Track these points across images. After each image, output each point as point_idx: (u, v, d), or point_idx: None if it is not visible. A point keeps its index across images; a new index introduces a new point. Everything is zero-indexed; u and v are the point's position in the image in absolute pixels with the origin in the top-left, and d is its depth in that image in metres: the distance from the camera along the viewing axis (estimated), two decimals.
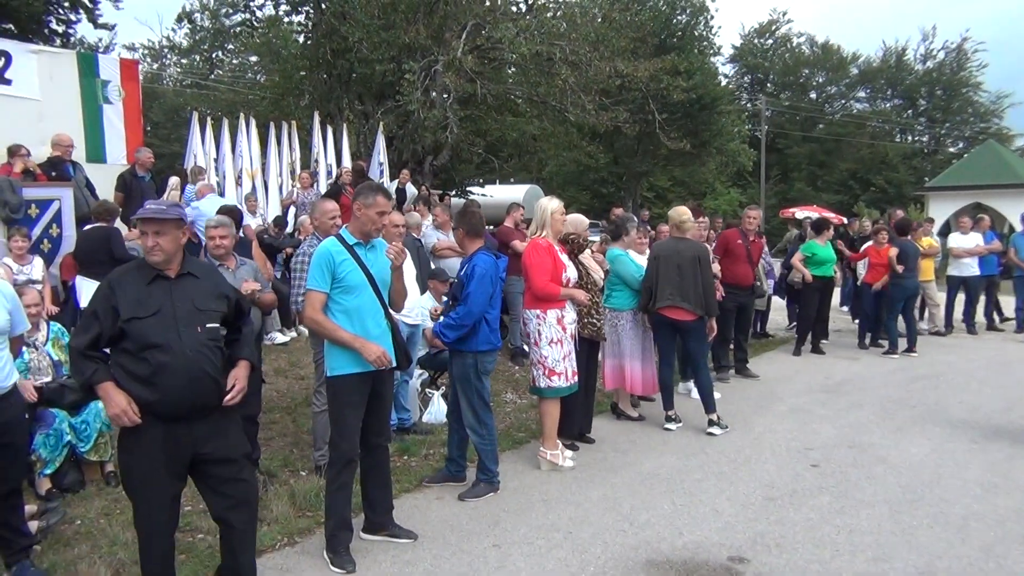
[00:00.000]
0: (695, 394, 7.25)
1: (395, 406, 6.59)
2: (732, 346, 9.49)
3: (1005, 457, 6.15)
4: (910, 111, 50.22)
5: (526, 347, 7.26)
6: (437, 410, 7.12)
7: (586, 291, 6.14)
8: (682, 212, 7.16)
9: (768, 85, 50.87)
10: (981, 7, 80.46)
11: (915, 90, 49.41)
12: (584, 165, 29.89)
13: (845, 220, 17.61)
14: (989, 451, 6.33)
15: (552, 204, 5.89)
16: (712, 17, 31.08)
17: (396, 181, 14.81)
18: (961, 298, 13.02)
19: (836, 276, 11.78)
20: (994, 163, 26.71)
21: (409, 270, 6.56)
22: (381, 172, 15.61)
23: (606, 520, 4.90)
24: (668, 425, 7.02)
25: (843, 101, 51.49)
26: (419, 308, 6.71)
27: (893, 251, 10.85)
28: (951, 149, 48.30)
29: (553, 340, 5.76)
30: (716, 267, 8.43)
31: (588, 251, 6.58)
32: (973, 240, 13.05)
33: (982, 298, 13.34)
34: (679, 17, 30.53)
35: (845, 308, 14.35)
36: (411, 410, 6.93)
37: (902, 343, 10.94)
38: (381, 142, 16.05)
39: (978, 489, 5.41)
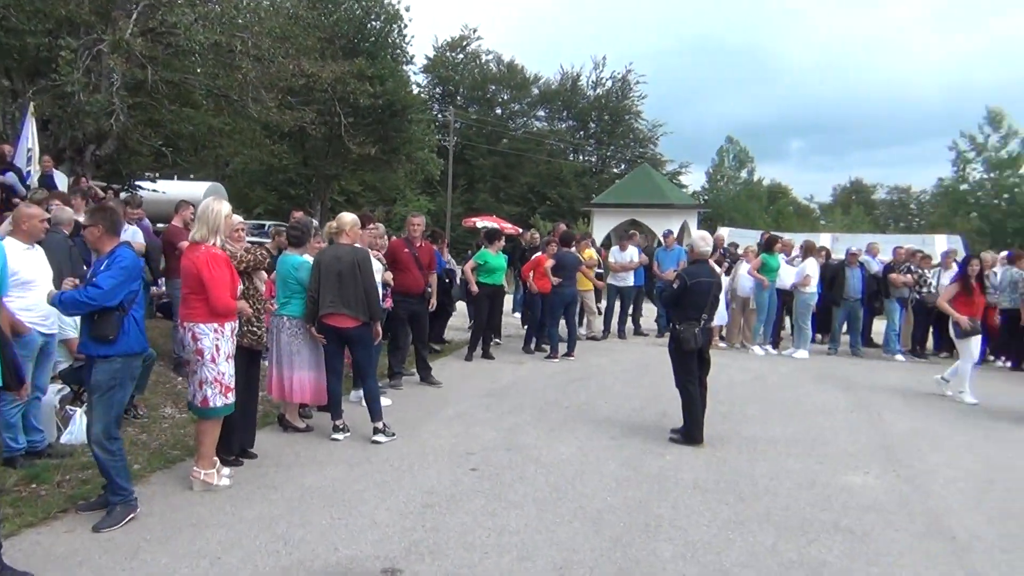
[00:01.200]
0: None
1: (24, 427, 5.84)
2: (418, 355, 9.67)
3: (638, 452, 6.83)
4: (582, 132, 54.85)
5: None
6: (79, 429, 6.39)
7: (249, 300, 5.91)
8: (341, 219, 7.12)
9: (458, 98, 52.84)
10: (644, 44, 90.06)
11: (587, 113, 54.13)
12: (270, 165, 28.95)
13: (520, 230, 18.72)
14: (625, 446, 6.99)
15: (224, 207, 5.50)
16: (406, 26, 31.58)
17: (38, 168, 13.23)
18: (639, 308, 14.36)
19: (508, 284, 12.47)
20: (648, 185, 29.94)
21: (43, 272, 5.86)
22: (29, 159, 13.85)
23: (259, 541, 4.69)
24: (335, 435, 6.93)
25: (525, 119, 55.01)
26: (56, 316, 5.99)
27: (549, 262, 11.72)
28: (615, 170, 53.52)
29: (230, 355, 5.45)
30: (388, 275, 8.52)
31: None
32: (630, 255, 14.48)
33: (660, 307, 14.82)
34: (373, 23, 30.62)
35: (517, 314, 15.22)
36: (45, 431, 6.16)
37: (563, 347, 11.82)
38: (32, 125, 14.23)
39: (613, 483, 5.94)
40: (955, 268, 13.82)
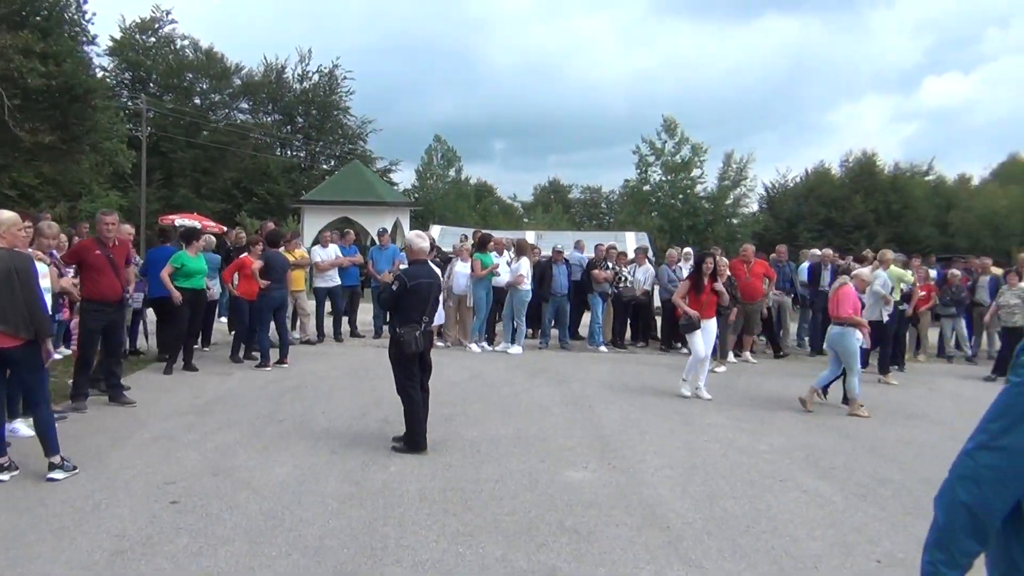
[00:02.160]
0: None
1: None
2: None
3: (360, 465, 6.46)
4: (289, 127, 53.02)
5: None
6: None
7: None
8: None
9: (151, 85, 48.72)
10: (351, 39, 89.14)
11: (294, 107, 52.37)
12: None
13: (224, 229, 17.48)
14: (347, 460, 6.59)
15: None
16: (86, 1, 28.41)
17: None
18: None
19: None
20: (359, 182, 29.51)
21: None
22: None
23: None
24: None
25: (227, 110, 52.01)
26: None
27: (256, 264, 10.98)
28: (324, 166, 52.38)
29: None
30: (67, 282, 7.38)
31: None
32: (333, 252, 14.00)
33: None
34: None
35: (223, 319, 14.15)
36: None
37: (275, 354, 11.11)
38: None
39: (335, 503, 5.52)
40: (647, 265, 14.96)
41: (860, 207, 44.43)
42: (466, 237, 16.16)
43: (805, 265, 15.12)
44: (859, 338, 9.33)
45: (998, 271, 15.87)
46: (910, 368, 13.26)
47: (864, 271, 10.45)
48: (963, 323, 14.92)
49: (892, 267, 12.55)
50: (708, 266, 9.95)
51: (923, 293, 14.00)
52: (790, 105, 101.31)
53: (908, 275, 12.78)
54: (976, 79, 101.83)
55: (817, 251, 15.71)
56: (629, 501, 5.74)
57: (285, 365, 11.04)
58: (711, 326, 10.03)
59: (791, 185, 50.19)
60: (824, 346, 10.44)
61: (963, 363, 14.52)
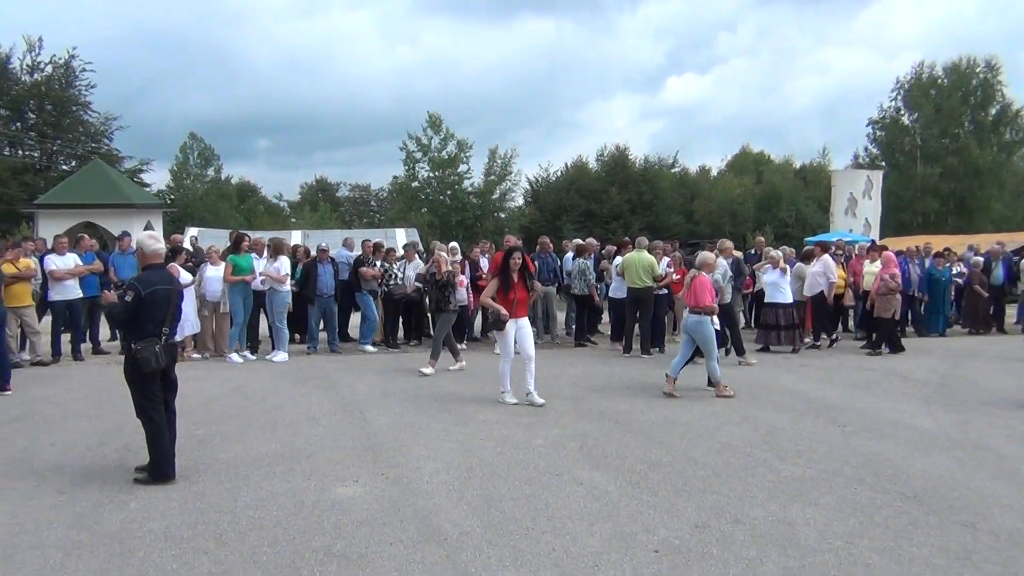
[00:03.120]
0: None
1: None
2: None
3: (94, 504, 5.60)
4: (19, 124, 47.50)
5: None
6: None
7: None
8: None
9: None
10: (90, 29, 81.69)
11: (23, 102, 46.92)
12: None
13: None
14: (78, 500, 5.70)
15: None
16: None
17: None
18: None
19: None
20: (103, 183, 26.92)
21: None
22: None
23: None
24: None
25: None
26: None
27: None
28: (64, 167, 47.42)
29: None
30: None
31: None
32: (72, 260, 12.50)
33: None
34: None
35: None
36: None
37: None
38: None
39: (59, 555, 4.69)
40: (417, 260, 14.64)
41: (616, 198, 46.80)
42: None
43: (570, 255, 15.47)
44: (715, 323, 9.92)
45: (738, 254, 17.09)
46: (669, 350, 13.89)
47: (709, 256, 10.57)
48: None
49: (644, 253, 13.13)
50: (516, 262, 9.22)
51: (677, 277, 14.76)
52: (548, 102, 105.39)
53: (654, 261, 13.31)
54: (711, 79, 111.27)
55: (580, 241, 16.13)
56: (404, 514, 5.37)
57: (9, 392, 9.61)
58: (525, 325, 9.39)
59: (553, 179, 52.00)
60: (681, 332, 10.45)
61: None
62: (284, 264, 12.73)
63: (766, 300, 13.77)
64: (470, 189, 47.48)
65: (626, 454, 6.92)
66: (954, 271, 16.90)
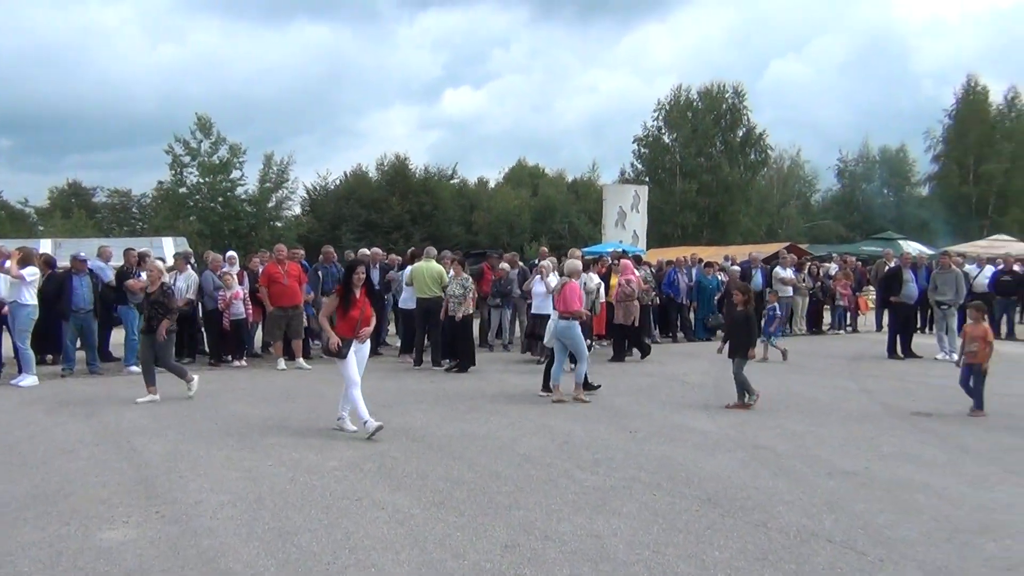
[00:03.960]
0: None
1: None
2: None
3: None
4: None
5: None
6: None
7: None
8: None
9: None
10: None
11: None
12: None
13: None
14: None
15: None
16: None
17: None
18: None
19: None
20: None
21: None
22: None
23: None
24: None
25: None
26: None
27: None
28: None
29: None
30: None
31: None
32: None
33: None
34: None
35: None
36: None
37: None
38: None
39: None
40: (189, 271, 13.58)
41: (397, 208, 46.54)
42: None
43: None
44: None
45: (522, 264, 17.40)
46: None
47: (578, 264, 10.90)
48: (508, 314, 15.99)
49: (432, 263, 13.02)
50: (359, 276, 8.26)
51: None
52: (326, 109, 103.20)
53: (442, 271, 13.19)
54: (486, 93, 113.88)
55: (366, 251, 15.70)
56: (185, 557, 4.77)
57: None
58: (366, 348, 8.50)
59: (332, 188, 50.83)
60: (550, 338, 10.56)
61: (503, 350, 15.60)
62: (29, 273, 11.23)
63: (533, 311, 13.61)
64: (244, 196, 45.26)
65: (427, 472, 6.65)
66: (720, 279, 18.15)
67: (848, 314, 20.11)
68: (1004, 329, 18.52)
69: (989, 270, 18.68)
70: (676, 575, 4.56)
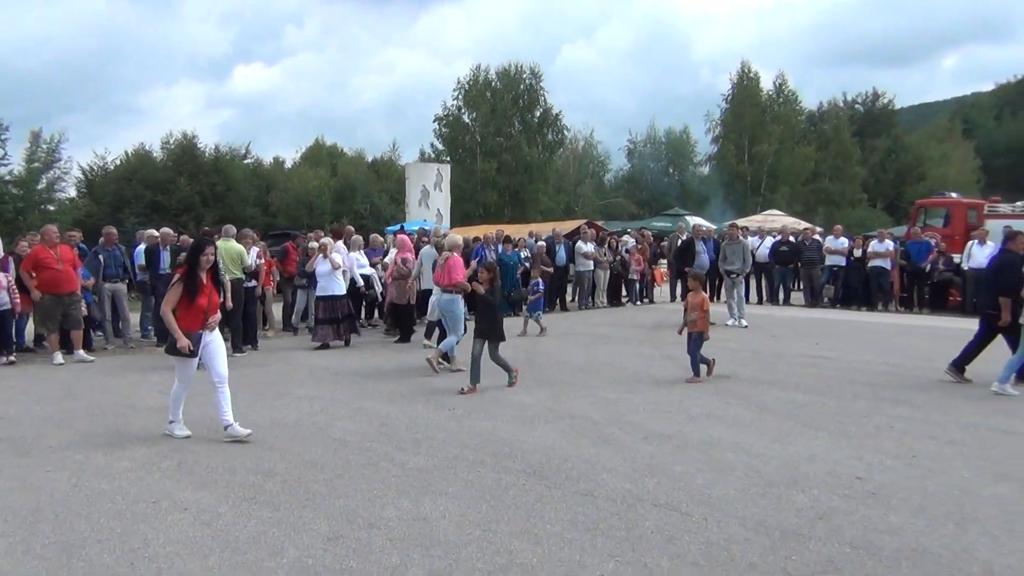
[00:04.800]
0: None
1: None
2: None
3: None
4: None
5: None
6: None
7: None
8: None
9: None
10: None
11: None
12: None
13: None
14: None
15: None
16: None
17: None
18: None
19: None
20: None
21: None
22: None
23: None
24: None
25: None
26: None
27: None
28: None
29: None
30: None
31: None
32: None
33: None
34: None
35: None
36: None
37: None
38: None
39: None
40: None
41: (186, 189, 43.66)
42: None
43: (141, 248, 13.82)
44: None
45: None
46: (262, 344, 13.02)
47: (458, 238, 11.60)
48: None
49: (231, 242, 12.19)
50: (208, 258, 7.06)
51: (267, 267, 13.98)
52: (100, 84, 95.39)
53: (242, 250, 12.39)
54: (279, 70, 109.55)
55: (155, 232, 14.46)
56: None
57: None
58: (216, 339, 7.14)
59: (112, 168, 46.89)
60: (438, 312, 10.73)
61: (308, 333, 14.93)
62: None
63: (319, 294, 12.86)
64: (8, 178, 40.74)
65: (234, 466, 6.11)
66: (522, 255, 18.35)
67: (644, 286, 21.02)
68: (781, 295, 20.11)
69: (769, 241, 20.16)
70: (510, 552, 4.41)
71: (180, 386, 7.05)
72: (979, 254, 17.55)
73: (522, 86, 52.73)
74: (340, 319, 12.85)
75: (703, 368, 9.70)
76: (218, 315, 7.30)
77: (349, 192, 51.78)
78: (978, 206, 21.60)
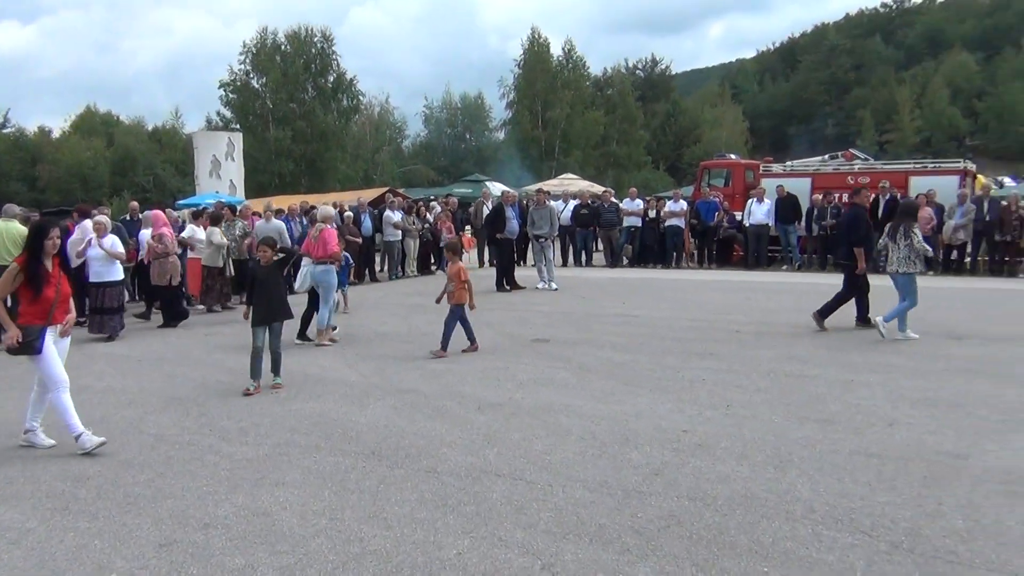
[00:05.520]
0: None
1: None
2: None
3: None
4: None
5: None
6: None
7: None
8: None
9: None
10: None
11: None
12: None
13: None
14: None
15: None
16: None
17: None
18: None
19: None
20: None
21: None
22: None
23: None
24: None
25: None
26: None
27: None
28: None
29: None
30: None
31: None
32: None
33: None
34: None
35: None
36: None
37: None
38: None
39: None
40: None
41: None
42: None
43: None
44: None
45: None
46: None
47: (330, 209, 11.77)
48: None
49: (13, 223, 11.03)
50: (54, 242, 6.04)
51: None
52: None
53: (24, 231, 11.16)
54: (37, 29, 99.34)
55: None
56: None
57: None
58: (64, 342, 6.23)
59: None
60: (310, 283, 10.43)
61: None
62: None
63: (91, 280, 11.25)
64: None
65: (37, 475, 5.51)
66: None
67: None
68: (584, 257, 20.89)
69: (572, 204, 20.83)
70: (361, 540, 4.28)
71: (58, 389, 5.92)
72: (758, 211, 19.05)
73: (313, 50, 50.98)
74: (112, 309, 11.30)
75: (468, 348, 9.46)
76: (72, 314, 6.32)
77: (129, 164, 48.24)
78: (754, 166, 23.39)
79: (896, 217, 10.18)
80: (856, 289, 10.42)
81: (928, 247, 9.90)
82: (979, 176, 22.24)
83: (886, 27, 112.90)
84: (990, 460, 5.28)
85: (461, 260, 9.87)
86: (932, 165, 21.63)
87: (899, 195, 18.30)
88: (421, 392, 7.52)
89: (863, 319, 10.38)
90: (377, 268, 19.45)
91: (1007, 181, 39.35)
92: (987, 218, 16.54)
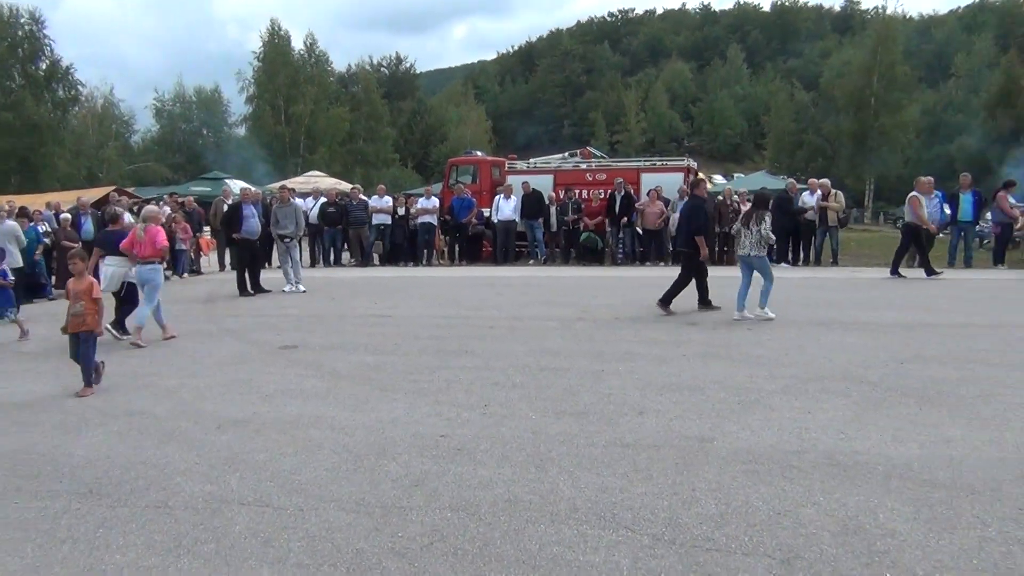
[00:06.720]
0: None
1: None
2: None
3: None
4: None
5: None
6: None
7: None
8: None
9: None
10: None
11: None
12: None
13: None
14: None
15: None
16: None
17: None
18: None
19: None
20: None
21: None
22: None
23: None
24: None
25: None
26: None
27: None
28: None
29: None
30: None
31: None
32: None
33: None
34: None
35: None
36: None
37: None
38: None
39: None
40: None
41: None
42: None
43: None
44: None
45: None
46: None
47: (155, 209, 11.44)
48: None
49: None
50: None
51: None
52: None
53: None
54: None
55: None
56: None
57: None
58: None
59: None
60: (118, 283, 10.19)
61: None
62: None
63: None
64: None
65: None
66: (41, 230, 15.87)
67: (191, 256, 19.57)
68: (332, 256, 20.26)
69: (320, 202, 20.12)
70: None
71: None
72: (505, 207, 19.43)
73: (21, 33, 45.45)
74: None
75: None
76: None
77: None
78: (500, 163, 23.85)
79: (751, 207, 11.02)
80: (694, 274, 11.25)
81: (772, 235, 10.82)
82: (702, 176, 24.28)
83: (613, 35, 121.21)
84: (732, 441, 5.51)
85: (89, 274, 7.85)
86: (660, 163, 23.25)
87: (632, 190, 19.46)
88: (151, 413, 6.68)
89: (704, 302, 11.35)
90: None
91: (718, 179, 43.54)
92: None
